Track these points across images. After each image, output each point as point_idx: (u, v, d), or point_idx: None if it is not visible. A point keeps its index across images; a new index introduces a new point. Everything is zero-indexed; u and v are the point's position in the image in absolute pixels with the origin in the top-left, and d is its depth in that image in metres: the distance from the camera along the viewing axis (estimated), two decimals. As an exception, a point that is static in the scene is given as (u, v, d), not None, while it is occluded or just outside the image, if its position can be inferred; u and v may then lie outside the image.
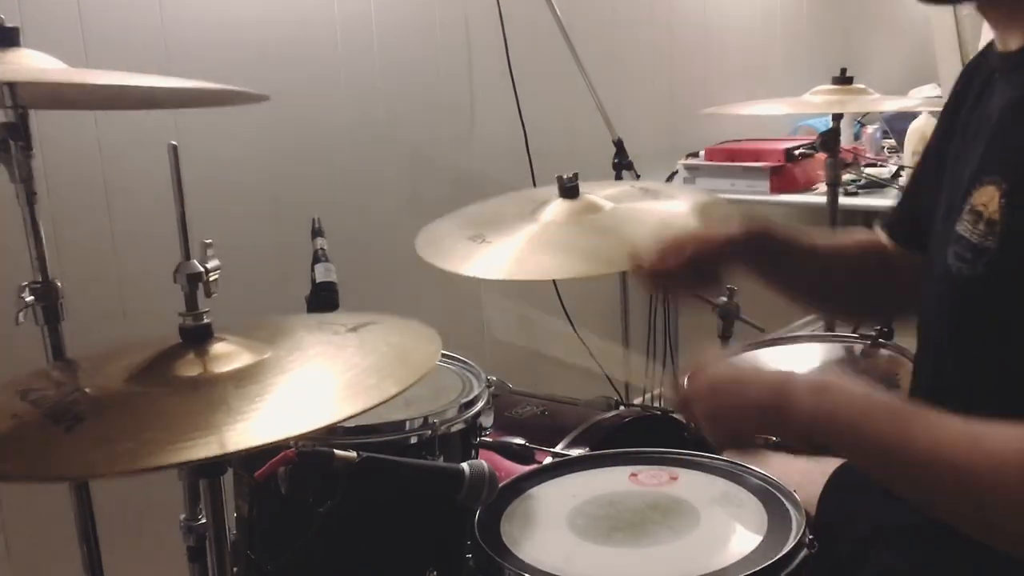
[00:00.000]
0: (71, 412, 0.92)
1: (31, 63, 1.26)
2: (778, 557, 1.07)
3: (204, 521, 1.08)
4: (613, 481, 1.31)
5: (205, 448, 0.83)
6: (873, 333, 1.85)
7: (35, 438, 0.90)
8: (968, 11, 1.11)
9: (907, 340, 1.18)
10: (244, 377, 0.98)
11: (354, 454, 1.13)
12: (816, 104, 2.31)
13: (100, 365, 1.05)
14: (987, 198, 0.94)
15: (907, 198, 1.29)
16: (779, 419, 0.96)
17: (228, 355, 1.01)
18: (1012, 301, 0.91)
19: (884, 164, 3.08)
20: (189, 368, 0.99)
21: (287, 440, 1.02)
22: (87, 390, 1.00)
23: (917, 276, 1.15)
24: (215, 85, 1.27)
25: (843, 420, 0.92)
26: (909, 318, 1.20)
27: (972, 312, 0.97)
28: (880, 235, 1.30)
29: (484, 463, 1.19)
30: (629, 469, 1.33)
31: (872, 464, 0.92)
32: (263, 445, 0.85)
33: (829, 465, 1.28)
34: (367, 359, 1.04)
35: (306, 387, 0.98)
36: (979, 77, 1.09)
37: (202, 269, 1.03)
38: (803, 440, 0.96)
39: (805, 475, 1.27)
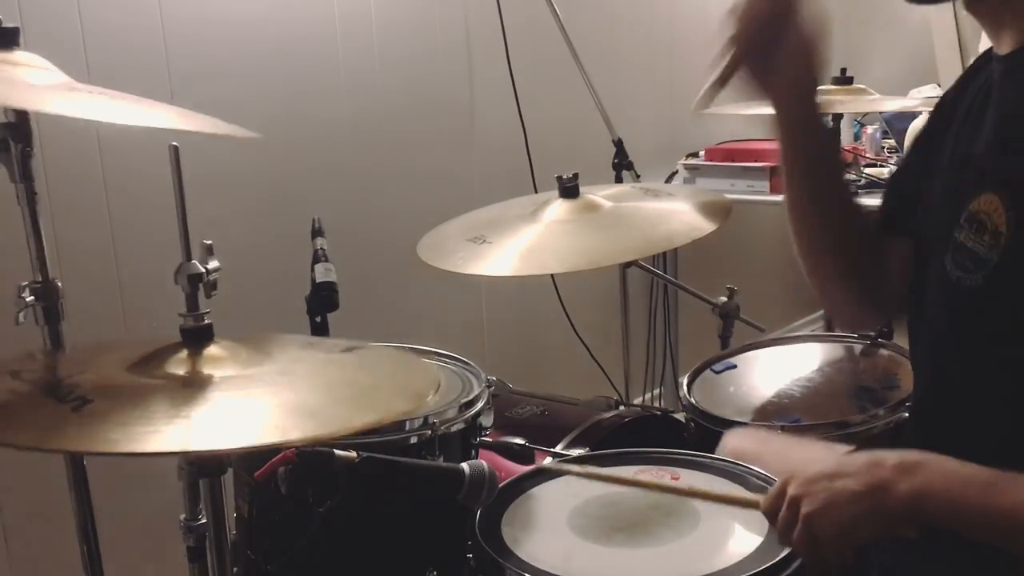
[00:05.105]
0: (74, 393, 0.93)
1: (29, 72, 1.25)
2: (779, 558, 1.07)
3: (204, 521, 1.08)
4: (613, 481, 1.31)
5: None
6: (873, 333, 1.85)
7: (42, 413, 0.92)
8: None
9: (906, 340, 1.18)
10: (231, 382, 0.98)
11: (354, 454, 1.13)
12: (816, 104, 2.30)
13: (94, 356, 1.07)
14: (990, 208, 0.94)
15: (890, 194, 1.26)
16: (878, 507, 0.94)
17: (222, 359, 1.01)
18: (1013, 312, 0.92)
19: (884, 164, 3.07)
20: (180, 367, 1.00)
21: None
22: (86, 375, 1.01)
23: (904, 276, 1.15)
24: (215, 120, 1.27)
25: (941, 497, 0.93)
26: (896, 316, 1.20)
27: (974, 320, 0.98)
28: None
29: (484, 463, 1.19)
30: (629, 469, 1.33)
31: (976, 531, 0.93)
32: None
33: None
34: (365, 379, 1.05)
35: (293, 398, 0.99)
36: (980, 79, 1.09)
37: (203, 270, 1.03)
38: (904, 522, 0.96)
39: None
